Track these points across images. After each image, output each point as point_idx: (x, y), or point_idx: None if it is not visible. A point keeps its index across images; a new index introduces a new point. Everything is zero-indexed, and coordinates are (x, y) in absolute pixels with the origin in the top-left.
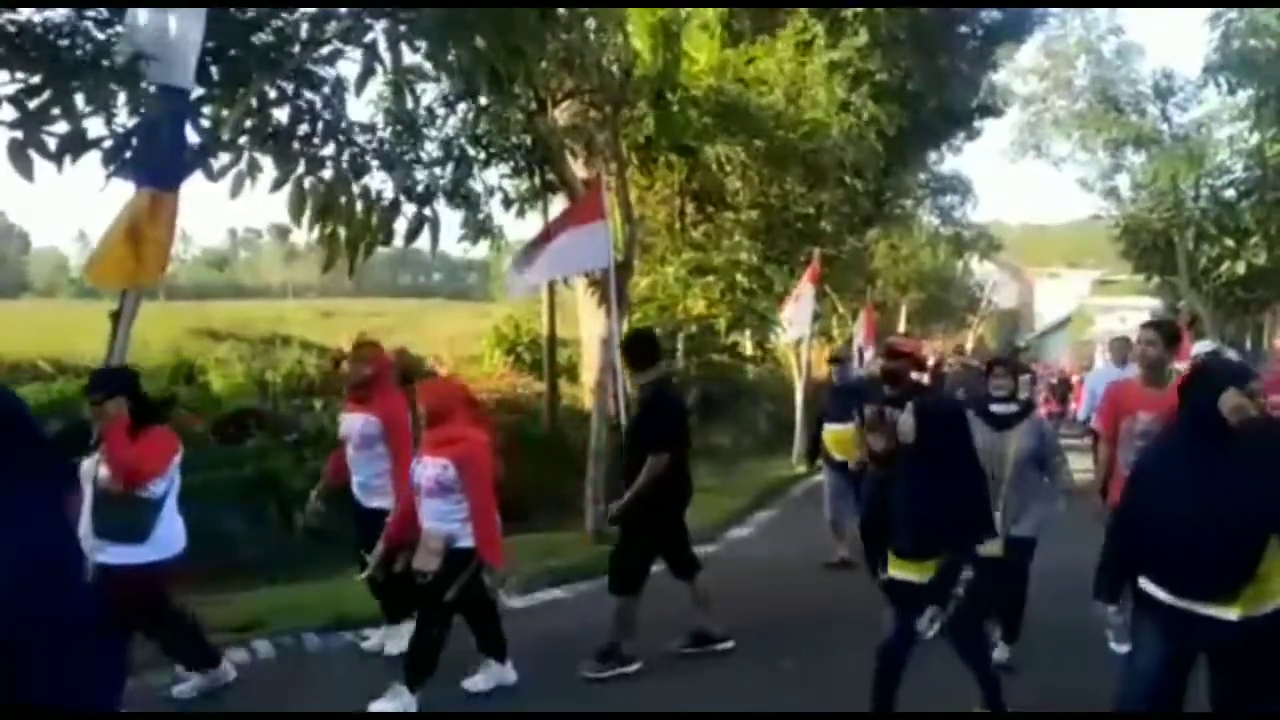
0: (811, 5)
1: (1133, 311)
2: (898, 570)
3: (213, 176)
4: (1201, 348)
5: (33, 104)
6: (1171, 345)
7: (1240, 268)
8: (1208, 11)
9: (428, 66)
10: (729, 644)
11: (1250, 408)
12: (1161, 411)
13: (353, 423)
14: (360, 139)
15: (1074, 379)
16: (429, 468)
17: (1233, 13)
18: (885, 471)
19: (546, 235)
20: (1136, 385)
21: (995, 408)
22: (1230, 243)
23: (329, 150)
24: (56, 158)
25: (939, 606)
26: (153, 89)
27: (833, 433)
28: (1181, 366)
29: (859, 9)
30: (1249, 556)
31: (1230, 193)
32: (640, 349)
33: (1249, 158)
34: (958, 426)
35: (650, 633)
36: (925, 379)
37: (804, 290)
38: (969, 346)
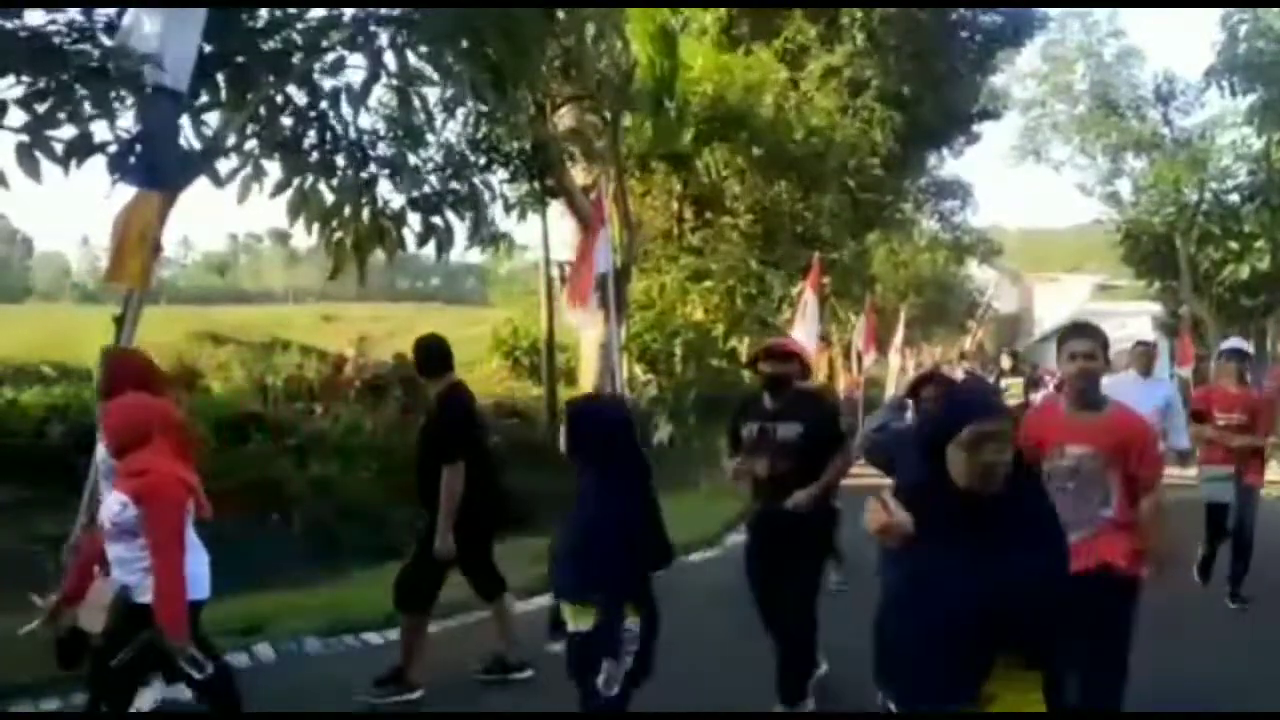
0: (811, 5)
1: (1133, 316)
2: (566, 616)
3: (219, 183)
4: (1230, 344)
5: (40, 108)
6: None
7: (1244, 272)
8: (1209, 15)
9: (432, 72)
10: (527, 673)
11: (993, 469)
12: (1097, 445)
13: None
14: (367, 146)
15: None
16: (111, 505)
17: (1243, 13)
18: (773, 505)
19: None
20: (1061, 410)
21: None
22: (1234, 247)
23: (340, 159)
24: (63, 161)
25: (612, 659)
26: (150, 92)
27: None
28: (1185, 372)
29: (855, 15)
30: (968, 671)
31: (1233, 197)
32: (430, 356)
33: (1252, 162)
34: (617, 434)
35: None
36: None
37: (807, 297)
38: (969, 350)
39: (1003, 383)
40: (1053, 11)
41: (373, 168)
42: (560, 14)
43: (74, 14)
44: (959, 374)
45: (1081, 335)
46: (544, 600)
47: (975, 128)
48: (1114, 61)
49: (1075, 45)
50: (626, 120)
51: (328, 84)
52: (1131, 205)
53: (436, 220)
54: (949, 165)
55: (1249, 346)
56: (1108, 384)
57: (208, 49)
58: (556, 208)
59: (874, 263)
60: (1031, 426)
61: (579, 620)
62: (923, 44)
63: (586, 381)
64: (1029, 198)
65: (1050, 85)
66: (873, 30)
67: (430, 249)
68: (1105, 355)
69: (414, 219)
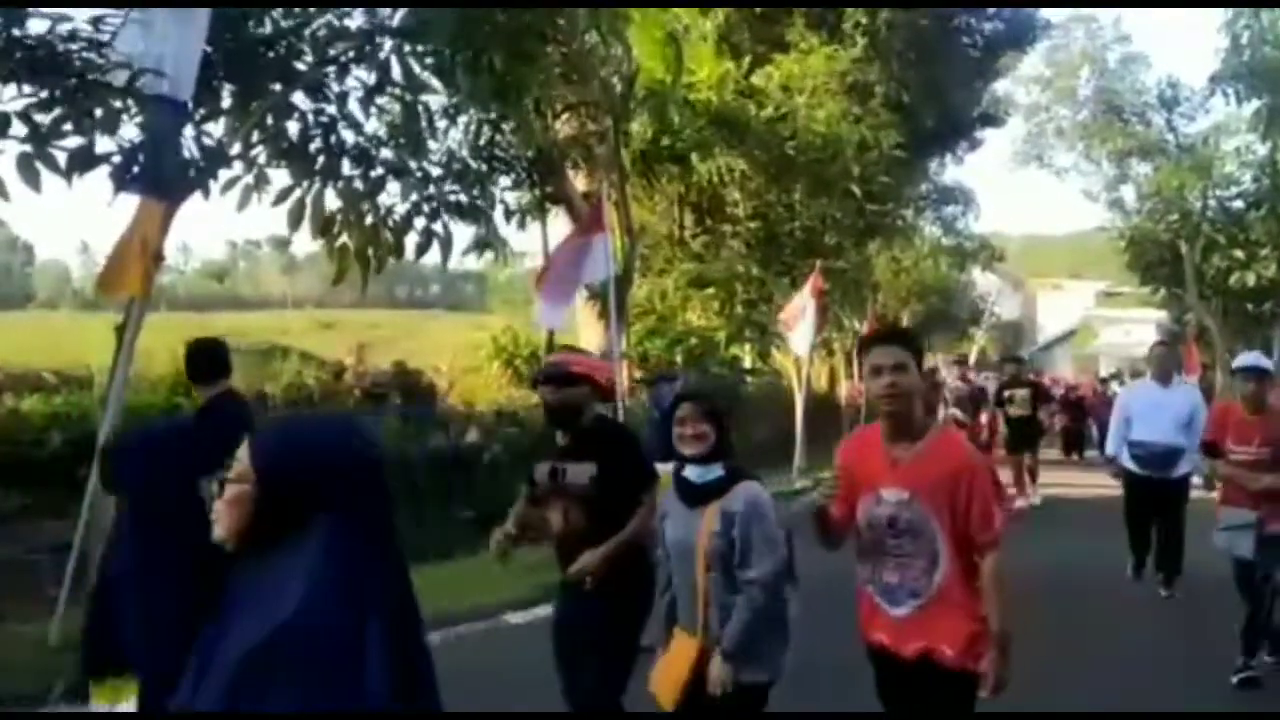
0: (815, 6)
1: (1137, 324)
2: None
3: (207, 194)
4: (1245, 360)
5: (44, 119)
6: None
7: (1250, 279)
8: (1215, 20)
9: (436, 82)
10: None
11: None
12: (914, 486)
13: None
14: (372, 150)
15: (1087, 392)
16: None
17: (1248, 18)
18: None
19: (552, 262)
20: (878, 440)
21: (688, 471)
22: (1239, 254)
23: (345, 165)
24: (66, 173)
25: None
26: (154, 100)
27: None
28: (1192, 379)
29: (859, 21)
30: None
31: (1239, 204)
32: (201, 359)
33: (1258, 169)
34: (168, 477)
35: None
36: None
37: (806, 303)
38: (971, 359)
39: (1006, 394)
40: (1056, 17)
41: (378, 171)
42: (561, 23)
43: (78, 24)
44: (952, 379)
45: (886, 342)
46: (546, 610)
47: (978, 133)
48: (1118, 67)
49: (1079, 51)
50: (629, 125)
51: (334, 88)
52: (1136, 212)
53: (437, 227)
54: (951, 171)
55: (1269, 363)
56: (1124, 392)
57: (212, 58)
58: (558, 215)
59: (876, 269)
60: (846, 464)
61: (104, 699)
62: (925, 50)
63: None
64: (1030, 204)
65: (1054, 91)
66: (876, 36)
67: (430, 256)
68: (919, 365)
69: (416, 223)
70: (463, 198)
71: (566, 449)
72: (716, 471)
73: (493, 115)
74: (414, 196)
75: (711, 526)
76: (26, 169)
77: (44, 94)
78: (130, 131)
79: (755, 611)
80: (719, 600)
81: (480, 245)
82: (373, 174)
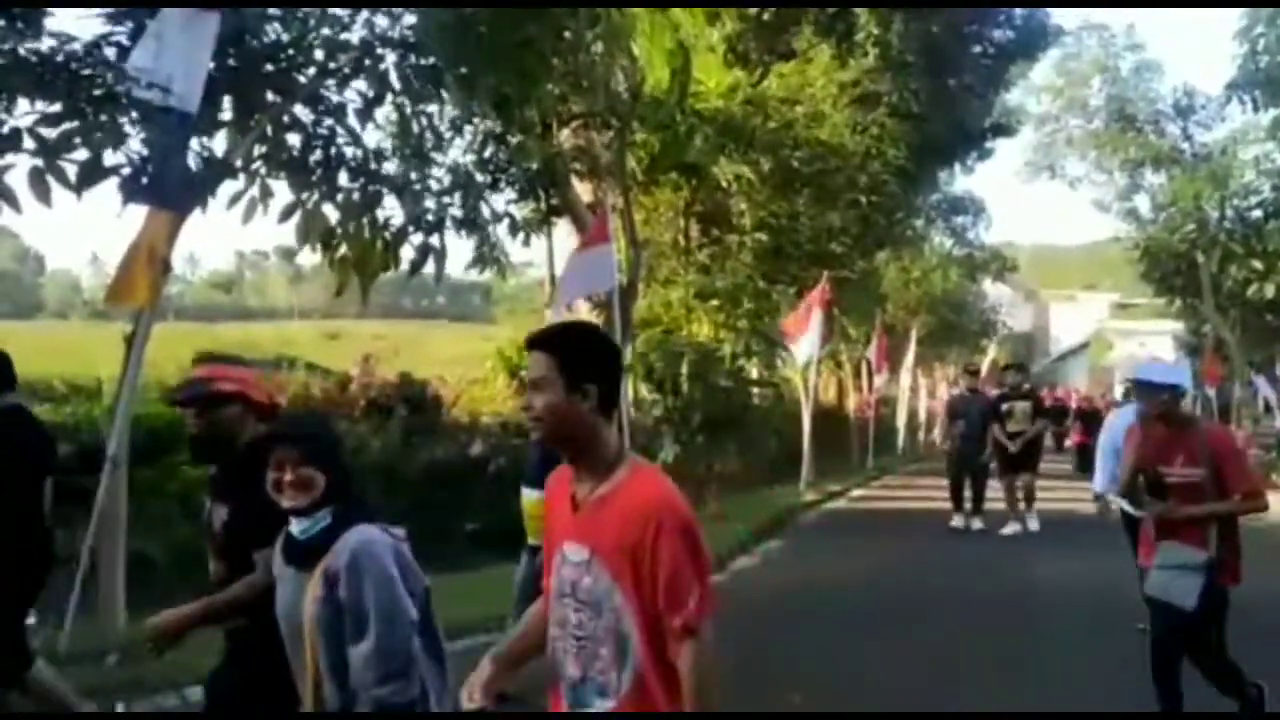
0: (825, 5)
1: (1153, 335)
2: None
3: (206, 205)
4: (1137, 371)
5: (53, 133)
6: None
7: (1269, 290)
8: (1230, 27)
9: (436, 92)
10: None
11: None
12: (596, 543)
13: None
14: (373, 166)
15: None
16: None
17: (1261, 25)
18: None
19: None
20: (568, 483)
21: (293, 526)
22: (1257, 265)
23: (344, 178)
24: (75, 186)
25: None
26: (161, 112)
27: (535, 503)
28: (1211, 391)
29: (871, 31)
30: None
31: (1257, 213)
32: None
33: (1277, 177)
34: None
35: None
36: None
37: (812, 313)
38: (983, 370)
39: (1004, 406)
40: (1068, 24)
41: (377, 184)
42: (566, 33)
43: (85, 38)
44: (962, 388)
45: (529, 349)
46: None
47: (988, 143)
48: (1131, 75)
49: (1091, 59)
50: (635, 134)
51: (333, 100)
52: (1150, 222)
53: (434, 241)
54: (961, 181)
55: (1168, 374)
56: (1109, 419)
57: (213, 71)
58: (563, 226)
59: (884, 280)
60: (547, 506)
61: None
62: (936, 58)
63: None
64: (1042, 214)
65: (1065, 100)
66: (887, 45)
67: (432, 268)
68: (578, 376)
69: (413, 237)
70: (460, 212)
71: (216, 485)
72: (324, 522)
73: (496, 129)
74: (414, 210)
75: (315, 591)
76: (37, 183)
77: (53, 109)
78: (138, 144)
79: (376, 698)
80: (336, 681)
81: (480, 261)
82: (371, 187)
